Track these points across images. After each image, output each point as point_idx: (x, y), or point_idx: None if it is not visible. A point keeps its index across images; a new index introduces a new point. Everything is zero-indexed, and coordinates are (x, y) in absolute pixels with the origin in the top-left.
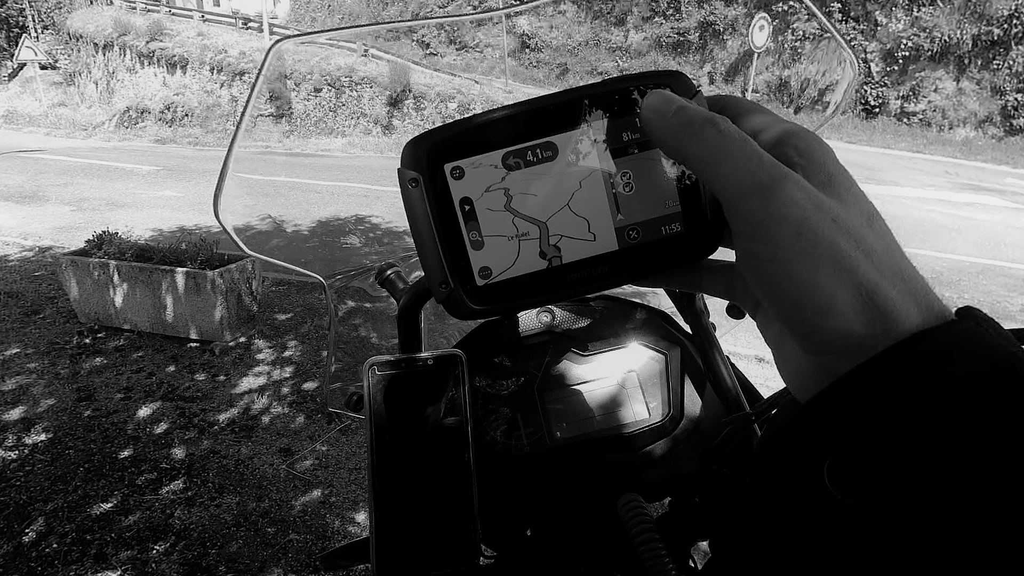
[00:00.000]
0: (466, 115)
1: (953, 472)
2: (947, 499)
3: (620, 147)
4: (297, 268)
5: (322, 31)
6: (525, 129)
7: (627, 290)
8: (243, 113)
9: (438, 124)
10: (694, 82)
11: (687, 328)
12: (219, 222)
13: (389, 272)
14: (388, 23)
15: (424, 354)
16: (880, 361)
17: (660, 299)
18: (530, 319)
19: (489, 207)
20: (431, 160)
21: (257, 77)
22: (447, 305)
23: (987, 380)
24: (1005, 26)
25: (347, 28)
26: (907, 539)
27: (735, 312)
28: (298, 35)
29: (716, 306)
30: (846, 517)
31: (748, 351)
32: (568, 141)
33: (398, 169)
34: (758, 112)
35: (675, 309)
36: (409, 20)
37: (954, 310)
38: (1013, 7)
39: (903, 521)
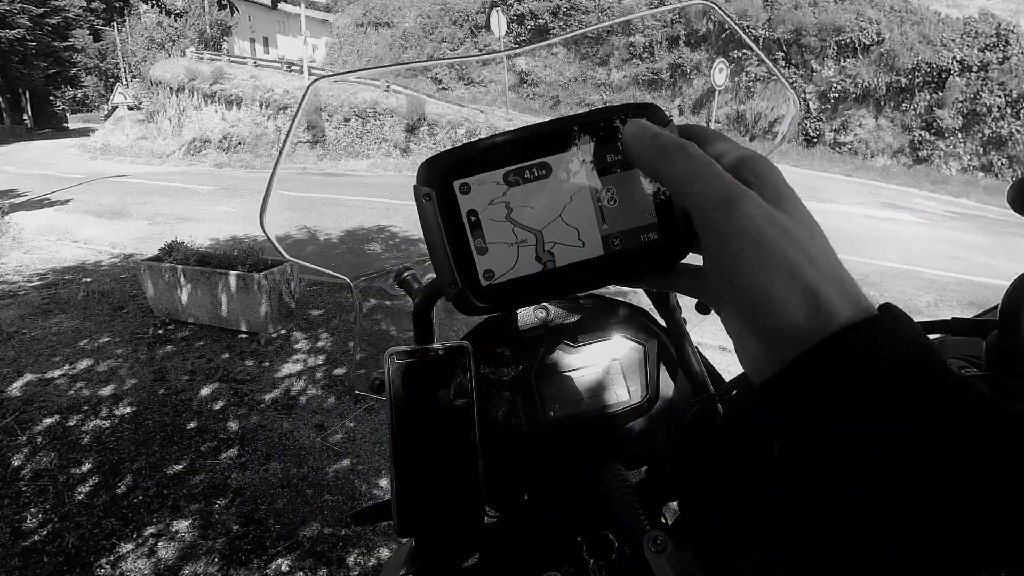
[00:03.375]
0: (472, 139)
1: (871, 443)
2: (869, 466)
3: (605, 167)
4: (328, 271)
5: (351, 71)
6: (523, 151)
7: (611, 290)
8: (285, 140)
9: (450, 146)
10: (667, 113)
11: (662, 322)
12: (264, 232)
13: (406, 274)
14: (407, 63)
15: (436, 345)
16: (818, 350)
17: (640, 297)
18: (528, 315)
19: (492, 218)
20: (442, 178)
21: (297, 110)
22: (456, 303)
23: (900, 366)
24: (910, 76)
25: (371, 68)
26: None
27: (703, 309)
28: (331, 75)
29: (687, 303)
30: (791, 479)
31: (713, 342)
32: (560, 161)
33: (414, 186)
34: (720, 139)
35: (652, 306)
36: (424, 60)
37: (877, 306)
38: (915, 62)
39: (834, 481)
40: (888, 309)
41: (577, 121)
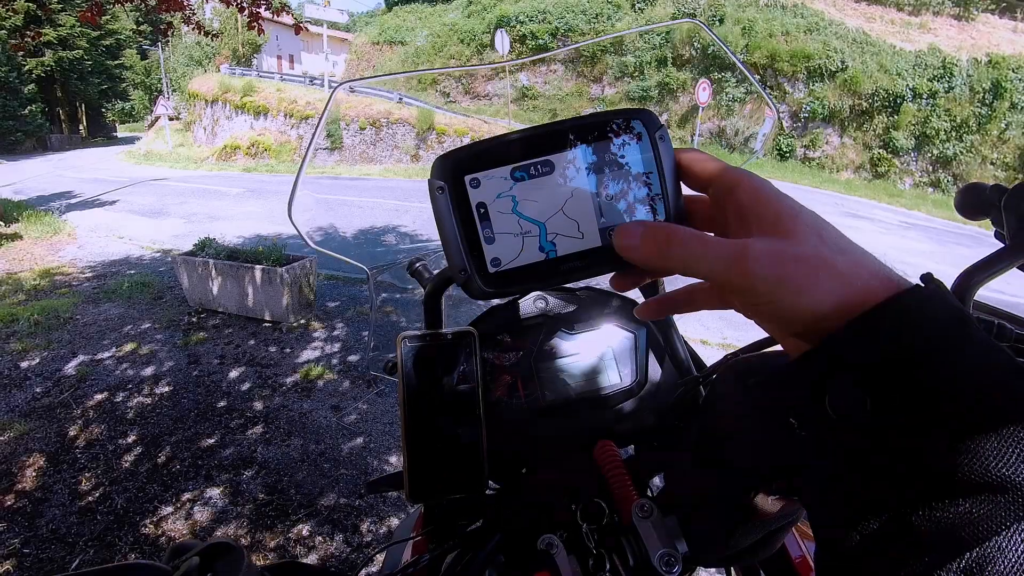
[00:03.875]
0: (483, 139)
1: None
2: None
3: (602, 165)
4: (347, 259)
5: (372, 76)
6: (528, 150)
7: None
8: (311, 138)
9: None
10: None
11: None
12: (292, 223)
13: (417, 264)
14: (421, 71)
15: (445, 331)
16: (852, 328)
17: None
18: (528, 305)
19: (500, 210)
20: (454, 172)
21: (323, 111)
22: (465, 288)
23: (942, 329)
24: (870, 100)
25: (386, 75)
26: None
27: None
28: (354, 80)
29: None
30: (841, 433)
31: (695, 336)
32: (562, 160)
33: (428, 180)
34: (711, 162)
35: (643, 298)
36: (437, 69)
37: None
38: (874, 88)
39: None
40: (929, 278)
41: (578, 124)
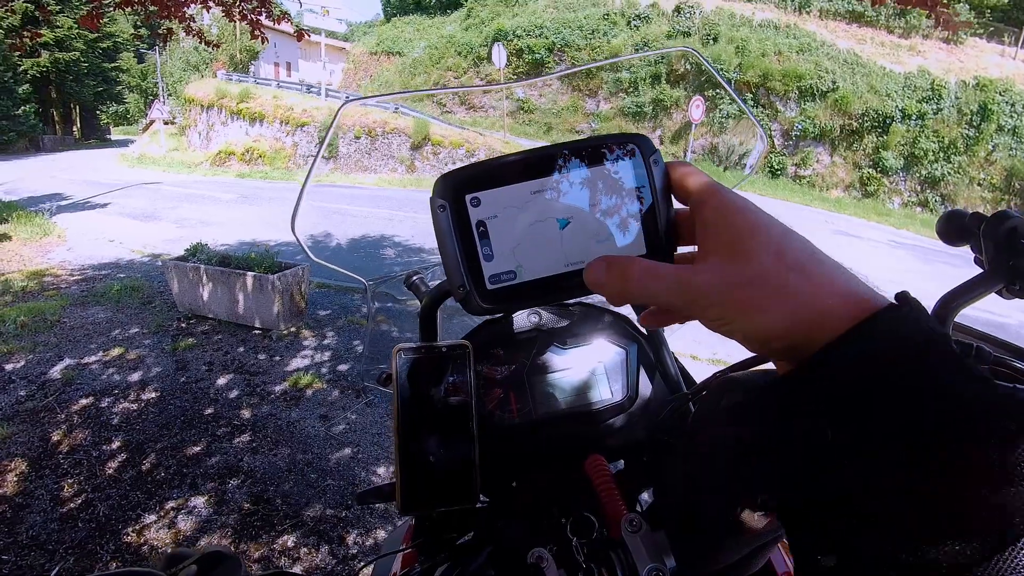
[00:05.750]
0: (484, 159)
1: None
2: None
3: (597, 186)
4: (346, 271)
5: (381, 95)
6: (527, 171)
7: (597, 299)
8: (317, 153)
9: (451, 166)
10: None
11: (643, 329)
12: (294, 235)
13: (414, 278)
14: (428, 90)
15: (440, 343)
16: (814, 361)
17: (624, 306)
18: (522, 319)
19: (498, 229)
20: (455, 191)
21: (330, 126)
22: (464, 304)
23: (909, 358)
24: (860, 120)
25: (397, 94)
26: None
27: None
28: (364, 97)
29: None
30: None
31: (686, 351)
32: (560, 180)
33: (430, 198)
34: (695, 175)
35: (634, 314)
36: (443, 88)
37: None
38: (864, 108)
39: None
40: (905, 297)
41: (576, 146)
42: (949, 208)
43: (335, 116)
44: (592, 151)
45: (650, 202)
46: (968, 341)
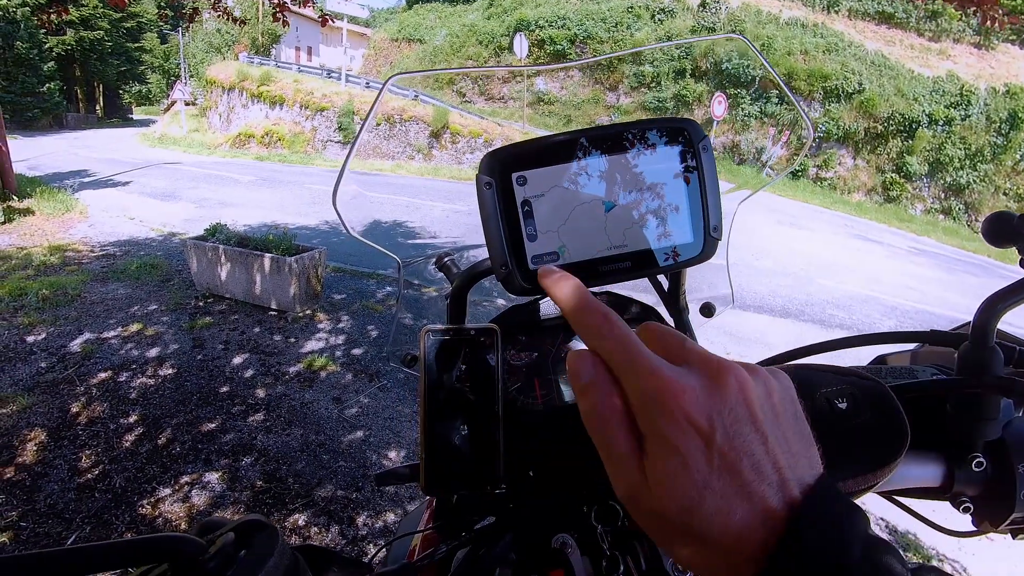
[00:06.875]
0: (531, 137)
1: None
2: None
3: (643, 172)
4: (381, 248)
5: (424, 70)
6: (574, 152)
7: (629, 287)
8: (360, 128)
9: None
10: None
11: (671, 321)
12: (336, 211)
13: (446, 259)
14: (469, 69)
15: (468, 326)
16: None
17: (652, 297)
18: (548, 305)
19: (543, 209)
20: (503, 169)
21: (375, 101)
22: (505, 283)
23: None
24: (885, 124)
25: (439, 70)
26: None
27: (707, 312)
28: (410, 72)
29: (694, 305)
30: None
31: (717, 342)
32: (608, 162)
33: (476, 175)
34: (661, 339)
35: (662, 303)
36: (484, 68)
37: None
38: (890, 112)
39: None
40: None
41: (625, 129)
42: (973, 216)
43: (381, 90)
44: (641, 134)
45: (697, 188)
46: (1011, 346)
